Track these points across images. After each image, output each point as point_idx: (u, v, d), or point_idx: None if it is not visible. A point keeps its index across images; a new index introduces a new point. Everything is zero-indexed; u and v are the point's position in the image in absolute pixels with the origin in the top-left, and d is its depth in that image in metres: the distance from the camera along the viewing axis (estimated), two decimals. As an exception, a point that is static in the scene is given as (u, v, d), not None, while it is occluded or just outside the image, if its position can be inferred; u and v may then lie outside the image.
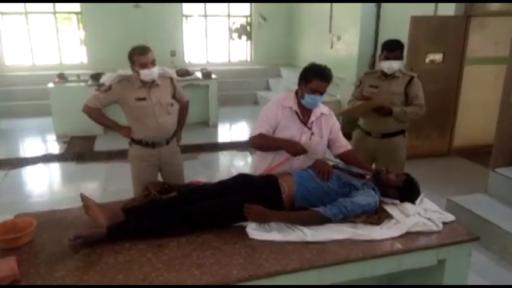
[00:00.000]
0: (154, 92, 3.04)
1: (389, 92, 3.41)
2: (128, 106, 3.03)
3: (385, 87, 3.43)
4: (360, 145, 3.60)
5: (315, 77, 2.55)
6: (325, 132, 2.71)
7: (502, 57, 4.89)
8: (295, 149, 2.53)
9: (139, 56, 2.91)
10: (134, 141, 3.13)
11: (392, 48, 3.35)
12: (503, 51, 4.70)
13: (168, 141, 3.16)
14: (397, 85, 3.41)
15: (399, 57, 3.36)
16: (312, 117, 2.67)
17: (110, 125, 3.18)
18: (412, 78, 3.42)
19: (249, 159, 5.69)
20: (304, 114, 2.66)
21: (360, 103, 3.46)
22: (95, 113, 3.09)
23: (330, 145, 2.77)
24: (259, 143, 2.67)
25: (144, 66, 2.91)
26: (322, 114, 2.70)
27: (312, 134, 2.66)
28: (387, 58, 3.36)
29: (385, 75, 3.44)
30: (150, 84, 3.02)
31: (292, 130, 2.64)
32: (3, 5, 8.99)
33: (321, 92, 2.57)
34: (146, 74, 2.93)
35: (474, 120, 5.94)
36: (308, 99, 2.59)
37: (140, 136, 3.09)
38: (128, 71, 3.13)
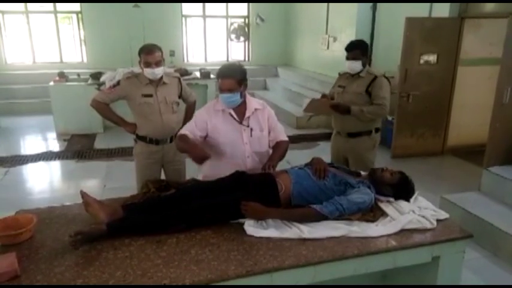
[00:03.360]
0: (161, 89, 3.09)
1: (352, 92, 3.47)
2: (134, 102, 3.08)
3: (349, 88, 3.51)
4: (334, 144, 3.74)
5: (217, 77, 2.59)
6: (264, 125, 2.72)
7: (496, 58, 4.95)
8: (194, 154, 2.49)
9: (145, 54, 2.97)
10: (139, 138, 3.18)
11: (349, 49, 3.43)
12: (497, 53, 4.75)
13: (172, 139, 3.19)
14: (359, 85, 3.45)
15: (358, 58, 3.40)
16: (247, 114, 2.66)
17: (116, 120, 3.23)
18: (375, 78, 3.42)
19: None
20: (238, 113, 2.65)
21: (315, 99, 3.65)
22: (102, 107, 3.14)
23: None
24: (177, 143, 2.68)
25: (148, 65, 2.98)
26: (256, 109, 2.70)
27: (252, 130, 2.67)
28: (347, 58, 3.44)
29: (352, 76, 3.50)
30: (157, 82, 3.08)
31: (232, 132, 2.64)
32: (5, 4, 9.02)
33: (227, 90, 2.54)
34: (149, 72, 3.01)
35: (468, 120, 6.00)
36: (220, 98, 2.63)
37: (145, 132, 3.14)
38: (127, 69, 3.18)
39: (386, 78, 3.48)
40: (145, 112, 3.08)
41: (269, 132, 2.75)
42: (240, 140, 2.65)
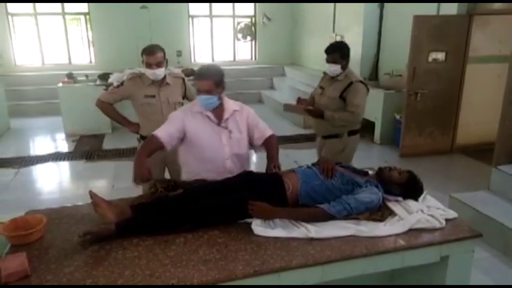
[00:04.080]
0: (163, 90, 3.12)
1: (328, 96, 3.46)
2: (137, 102, 3.12)
3: (327, 90, 3.50)
4: (317, 145, 3.80)
5: (195, 78, 2.57)
6: (243, 127, 2.70)
7: (505, 55, 4.91)
8: (139, 170, 2.37)
9: (146, 55, 3.00)
10: (142, 138, 3.21)
11: (329, 52, 3.40)
12: (506, 50, 4.71)
13: None
14: (335, 89, 3.43)
15: (337, 61, 3.36)
16: (225, 115, 2.64)
17: (119, 120, 3.28)
18: (350, 83, 3.37)
19: (253, 157, 5.73)
20: (216, 115, 2.63)
21: (287, 104, 3.86)
22: (106, 107, 3.19)
23: (251, 138, 2.75)
24: (143, 144, 2.66)
25: (149, 66, 3.01)
26: (234, 111, 2.68)
27: (230, 131, 2.65)
28: (327, 61, 3.41)
29: (332, 78, 3.47)
30: (160, 83, 3.11)
31: (210, 135, 2.62)
32: (13, 6, 9.12)
33: (204, 91, 2.52)
34: (150, 73, 3.04)
35: (477, 118, 5.95)
36: (197, 99, 2.60)
37: (147, 133, 3.13)
38: (135, 70, 3.21)
39: (364, 83, 3.44)
40: (148, 112, 3.12)
41: (254, 132, 2.73)
42: (219, 142, 2.63)
